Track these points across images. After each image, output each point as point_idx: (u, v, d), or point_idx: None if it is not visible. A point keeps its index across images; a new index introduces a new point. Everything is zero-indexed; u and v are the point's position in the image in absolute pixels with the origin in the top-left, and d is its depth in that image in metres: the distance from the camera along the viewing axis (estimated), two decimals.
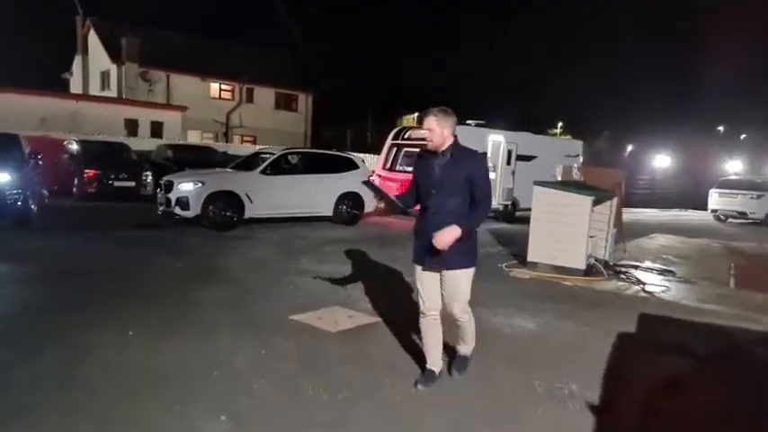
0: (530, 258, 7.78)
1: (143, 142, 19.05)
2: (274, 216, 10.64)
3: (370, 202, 12.00)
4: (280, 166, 10.86)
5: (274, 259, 7.48)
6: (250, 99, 32.13)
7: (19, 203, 8.42)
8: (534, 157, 15.15)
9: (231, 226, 9.83)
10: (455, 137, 3.55)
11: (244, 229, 9.98)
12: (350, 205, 11.65)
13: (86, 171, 12.85)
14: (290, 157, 11.35)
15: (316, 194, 11.11)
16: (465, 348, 3.82)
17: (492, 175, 14.59)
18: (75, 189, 13.09)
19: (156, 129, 22.87)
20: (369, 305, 5.46)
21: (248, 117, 31.41)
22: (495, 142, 14.23)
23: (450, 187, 3.46)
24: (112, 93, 26.82)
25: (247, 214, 10.11)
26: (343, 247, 8.77)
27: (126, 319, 4.57)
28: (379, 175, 14.12)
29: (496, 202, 14.45)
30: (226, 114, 30.86)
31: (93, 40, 28.49)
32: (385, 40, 62.72)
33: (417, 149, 12.91)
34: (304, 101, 34.91)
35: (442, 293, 3.55)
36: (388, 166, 14.28)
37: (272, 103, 33.34)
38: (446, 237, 3.29)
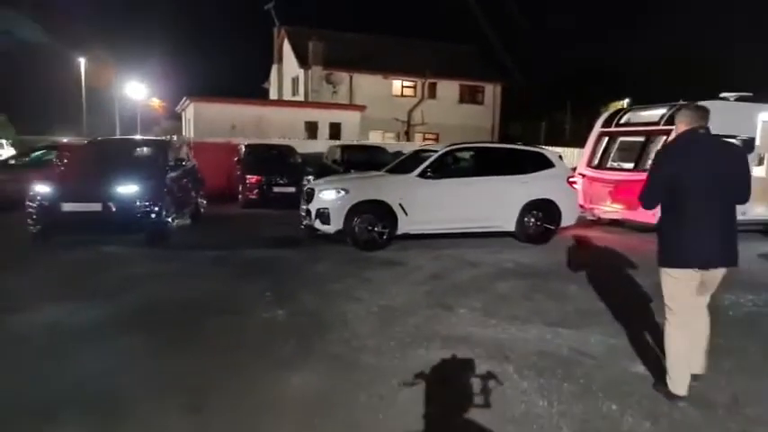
0: None
1: (317, 144, 18.40)
2: (436, 232, 8.18)
3: (571, 212, 8.78)
4: (444, 168, 8.33)
5: (417, 309, 4.95)
6: (432, 94, 30.35)
7: (152, 216, 7.42)
8: None
9: (380, 245, 7.65)
10: (690, 129, 3.27)
11: (396, 248, 7.73)
12: (540, 217, 8.58)
13: (248, 177, 12.07)
14: (458, 154, 8.75)
15: (492, 203, 8.32)
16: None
17: (761, 171, 9.96)
18: (240, 196, 12.45)
19: (335, 130, 22.37)
20: None
21: (430, 113, 29.66)
22: None
23: None
24: (300, 97, 27.49)
25: (401, 229, 7.83)
26: (530, 285, 5.87)
27: None
28: (583, 175, 10.64)
29: None
30: (407, 112, 29.59)
31: (287, 48, 29.71)
32: (580, 17, 55.44)
33: (640, 138, 9.09)
34: (491, 92, 31.91)
35: None
36: (596, 162, 10.69)
37: (456, 96, 31.07)
38: None
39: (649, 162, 9.45)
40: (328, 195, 7.70)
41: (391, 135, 29.06)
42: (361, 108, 24.01)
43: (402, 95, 30.09)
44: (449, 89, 30.81)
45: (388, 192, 7.81)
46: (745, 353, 4.08)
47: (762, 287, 6.04)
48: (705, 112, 3.29)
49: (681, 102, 9.44)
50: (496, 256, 7.51)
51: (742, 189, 3.25)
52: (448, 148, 8.52)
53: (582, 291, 5.76)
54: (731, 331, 4.50)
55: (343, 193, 7.64)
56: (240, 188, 12.40)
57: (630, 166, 9.84)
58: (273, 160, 13.11)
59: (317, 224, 7.73)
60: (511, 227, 8.51)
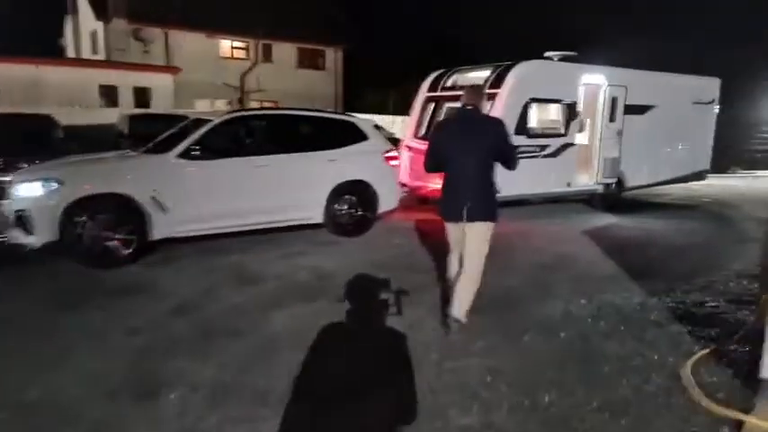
0: None
1: (116, 114, 14.92)
2: (216, 232, 6.06)
3: (391, 195, 7.26)
4: (221, 143, 6.17)
5: (80, 408, 2.86)
6: (268, 57, 27.50)
7: None
8: (651, 108, 9.76)
9: (124, 259, 5.35)
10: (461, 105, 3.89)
11: (155, 259, 5.52)
12: (354, 202, 6.91)
13: None
14: (244, 124, 6.63)
15: (291, 188, 6.43)
16: None
17: (583, 138, 9.38)
18: None
19: (142, 96, 18.70)
20: None
21: (267, 78, 26.87)
22: (591, 86, 8.96)
23: None
24: (102, 57, 22.85)
25: (158, 233, 5.58)
26: (314, 314, 4.04)
27: None
28: (409, 147, 9.23)
29: (594, 180, 9.28)
30: (240, 77, 26.45)
31: None
32: None
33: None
34: (332, 57, 29.96)
35: None
36: (423, 132, 9.33)
37: (294, 60, 28.59)
38: None
39: None
40: (29, 190, 5.12)
41: (223, 103, 25.81)
42: (175, 70, 20.51)
43: (232, 57, 26.76)
44: (286, 52, 28.18)
45: (132, 181, 5.46)
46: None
47: (594, 284, 4.96)
48: (478, 90, 3.94)
49: (506, 62, 8.37)
50: (292, 261, 5.66)
51: (505, 158, 3.72)
52: (226, 117, 6.35)
53: (404, 320, 4.13)
54: (562, 366, 3.14)
55: (54, 185, 5.11)
56: None
57: None
58: (20, 136, 9.71)
59: (14, 234, 5.13)
60: (318, 217, 6.72)
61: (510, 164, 3.71)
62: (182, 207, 5.66)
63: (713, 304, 4.33)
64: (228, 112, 6.54)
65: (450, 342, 3.62)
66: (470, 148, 3.59)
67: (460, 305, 3.68)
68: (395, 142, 9.72)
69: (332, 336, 3.70)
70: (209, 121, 6.21)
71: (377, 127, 7.78)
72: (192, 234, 5.85)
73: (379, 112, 27.17)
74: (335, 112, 7.70)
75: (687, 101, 10.41)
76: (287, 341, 3.62)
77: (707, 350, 3.43)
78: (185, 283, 4.85)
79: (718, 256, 6.10)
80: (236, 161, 6.10)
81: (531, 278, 5.08)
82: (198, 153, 5.81)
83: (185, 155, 5.76)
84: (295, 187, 6.46)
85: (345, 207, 6.88)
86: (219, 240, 6.14)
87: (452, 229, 3.78)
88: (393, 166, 7.36)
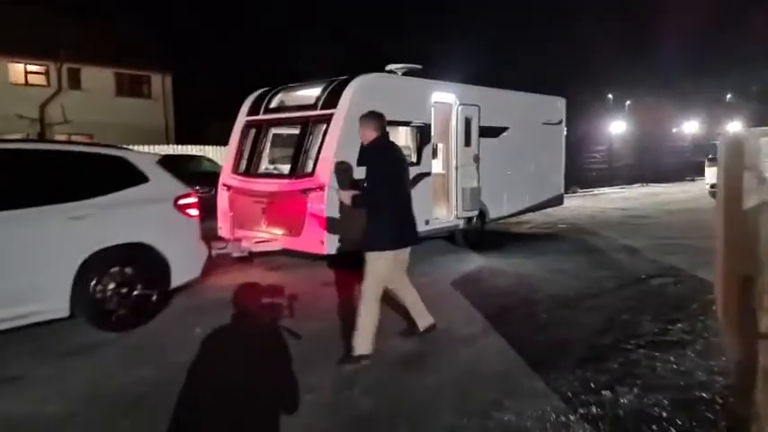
0: None
1: None
2: None
3: (189, 259, 5.07)
4: None
5: None
6: (76, 84, 23.32)
7: None
8: (504, 129, 8.82)
9: None
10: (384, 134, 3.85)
11: None
12: (128, 277, 4.56)
13: None
14: None
15: (5, 267, 3.92)
16: None
17: (437, 166, 8.06)
18: None
19: None
20: None
21: (76, 108, 22.57)
22: (442, 105, 7.67)
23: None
24: None
25: None
26: None
27: None
28: (227, 186, 7.05)
29: (453, 214, 7.94)
30: (39, 106, 21.90)
31: None
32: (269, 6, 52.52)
33: (296, 129, 6.04)
34: (159, 84, 26.50)
35: None
36: (244, 167, 7.20)
37: (112, 87, 24.67)
38: None
39: (310, 163, 6.46)
40: None
41: (17, 137, 21.00)
42: None
43: (27, 84, 22.20)
44: (100, 78, 24.16)
45: None
46: None
47: (484, 392, 3.25)
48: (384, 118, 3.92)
49: (340, 77, 6.70)
50: None
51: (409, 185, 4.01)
52: None
53: None
54: None
55: None
56: None
57: (288, 169, 6.62)
58: None
59: None
60: (63, 308, 4.25)
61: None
62: None
63: (653, 409, 2.88)
64: None
65: None
66: (406, 175, 3.91)
67: (422, 313, 4.06)
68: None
69: None
70: None
71: (167, 161, 5.47)
72: None
73: (224, 144, 24.55)
74: (96, 145, 5.34)
75: (538, 121, 9.75)
76: None
77: None
78: None
79: (612, 311, 4.87)
80: None
81: (389, 388, 3.24)
82: None
83: None
84: (11, 265, 3.95)
85: (113, 286, 4.51)
86: None
87: (393, 260, 3.73)
88: (191, 216, 5.14)
